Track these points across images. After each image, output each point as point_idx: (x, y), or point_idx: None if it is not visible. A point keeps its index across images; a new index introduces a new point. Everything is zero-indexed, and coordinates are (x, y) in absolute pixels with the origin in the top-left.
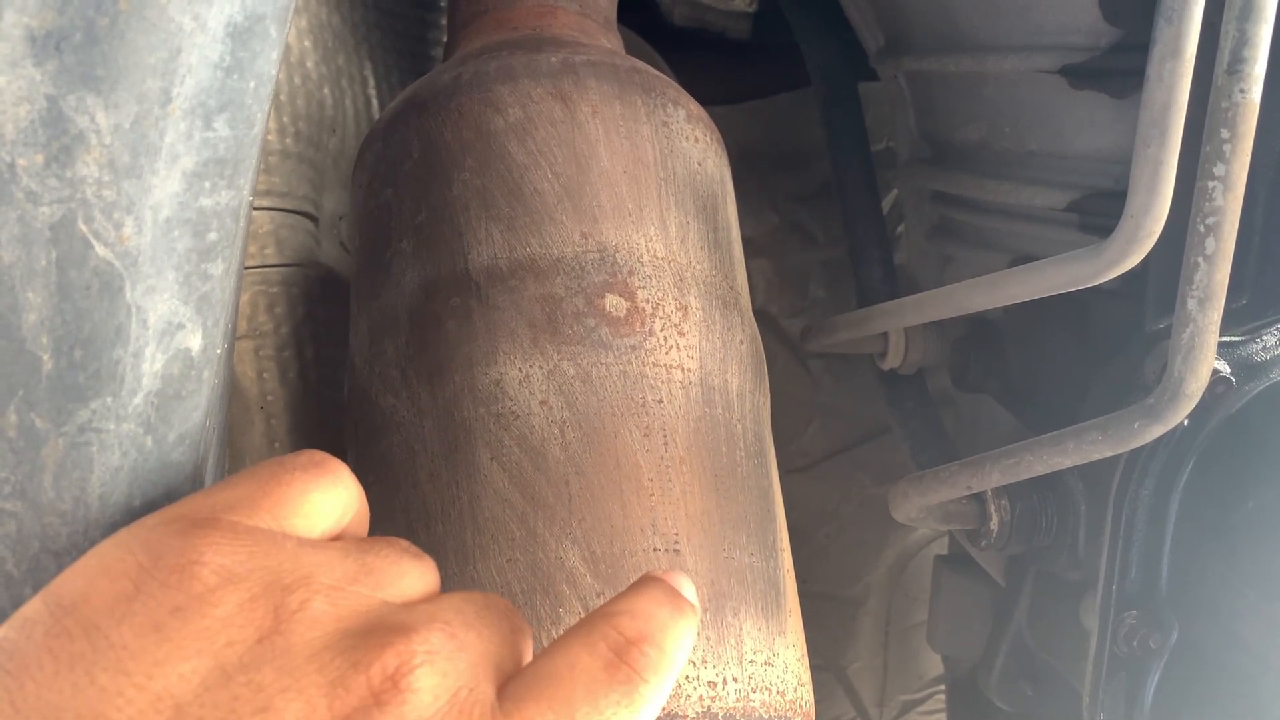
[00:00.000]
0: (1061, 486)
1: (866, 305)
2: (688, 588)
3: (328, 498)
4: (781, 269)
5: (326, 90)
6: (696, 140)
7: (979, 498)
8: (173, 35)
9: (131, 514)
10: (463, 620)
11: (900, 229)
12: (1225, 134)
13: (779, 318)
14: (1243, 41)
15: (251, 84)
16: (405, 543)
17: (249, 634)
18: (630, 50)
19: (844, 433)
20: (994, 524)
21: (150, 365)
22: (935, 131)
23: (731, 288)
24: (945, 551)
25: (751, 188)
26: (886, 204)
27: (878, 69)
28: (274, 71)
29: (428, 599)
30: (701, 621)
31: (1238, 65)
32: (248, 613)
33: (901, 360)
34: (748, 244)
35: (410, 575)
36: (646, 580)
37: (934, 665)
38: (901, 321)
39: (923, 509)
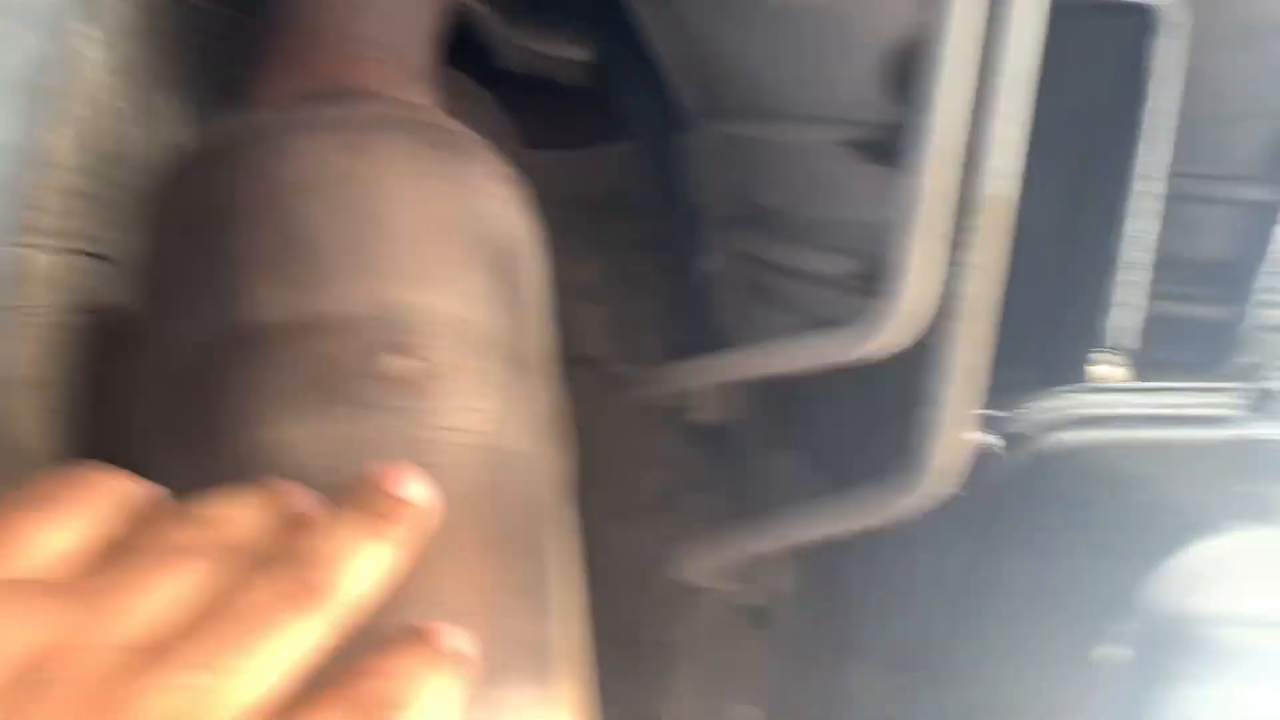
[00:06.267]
0: (841, 550)
1: (680, 360)
2: (455, 638)
3: (65, 537)
4: (614, 316)
5: (138, 131)
6: (497, 197)
7: (765, 558)
8: None
9: None
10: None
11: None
12: (978, 223)
13: (611, 364)
14: (992, 139)
15: None
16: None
17: None
18: (461, 95)
19: (672, 480)
20: (777, 586)
21: None
22: (745, 194)
23: (528, 348)
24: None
25: (586, 234)
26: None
27: (693, 129)
28: None
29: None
30: (472, 693)
31: (986, 160)
32: None
33: (709, 415)
34: (581, 290)
35: (165, 591)
36: (404, 633)
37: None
38: (703, 379)
39: (710, 570)
